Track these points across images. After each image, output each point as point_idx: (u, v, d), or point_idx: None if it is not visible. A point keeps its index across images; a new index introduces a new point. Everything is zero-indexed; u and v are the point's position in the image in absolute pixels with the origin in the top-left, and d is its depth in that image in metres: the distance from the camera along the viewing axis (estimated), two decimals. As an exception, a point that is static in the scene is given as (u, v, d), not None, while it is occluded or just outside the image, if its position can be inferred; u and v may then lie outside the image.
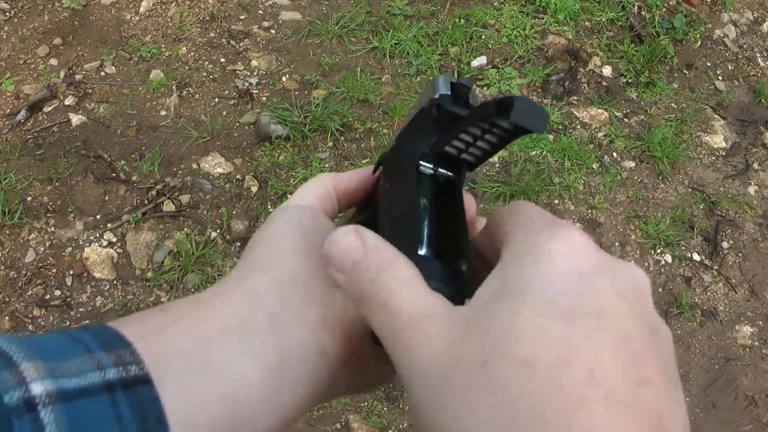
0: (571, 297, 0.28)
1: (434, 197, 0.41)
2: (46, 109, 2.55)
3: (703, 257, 2.55)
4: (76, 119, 2.53)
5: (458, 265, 0.36)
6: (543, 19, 3.05)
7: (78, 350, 0.30)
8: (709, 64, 3.11)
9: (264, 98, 2.65)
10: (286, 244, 0.39)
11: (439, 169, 0.43)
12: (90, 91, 2.62)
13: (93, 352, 0.30)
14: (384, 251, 0.34)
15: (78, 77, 2.65)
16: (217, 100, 2.64)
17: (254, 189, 2.41)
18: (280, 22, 2.91)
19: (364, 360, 0.38)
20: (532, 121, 0.34)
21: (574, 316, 0.27)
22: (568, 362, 0.26)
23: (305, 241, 0.39)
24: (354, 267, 0.33)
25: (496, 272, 0.30)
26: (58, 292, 2.16)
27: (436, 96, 0.43)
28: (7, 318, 2.10)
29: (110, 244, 2.25)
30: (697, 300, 2.45)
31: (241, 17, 2.91)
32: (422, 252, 0.36)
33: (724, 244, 2.59)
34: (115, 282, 2.19)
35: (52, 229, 2.27)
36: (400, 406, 2.07)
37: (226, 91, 2.67)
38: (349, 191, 0.46)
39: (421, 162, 0.42)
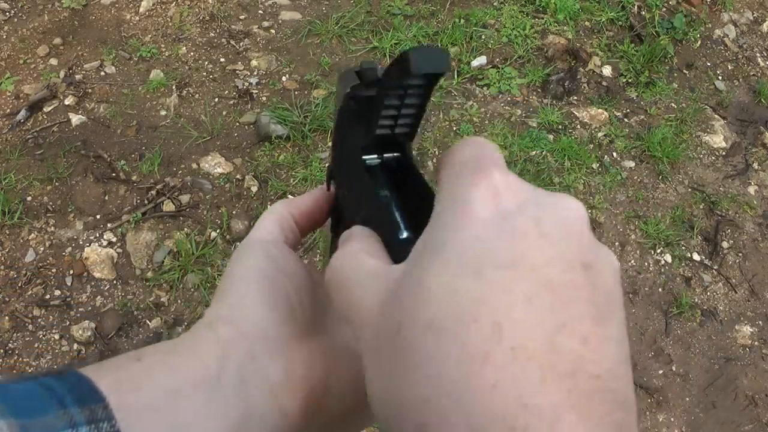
0: (486, 249, 0.26)
1: (391, 183, 0.41)
2: (46, 109, 2.55)
3: (703, 257, 2.55)
4: (76, 119, 2.53)
5: None
6: (543, 19, 3.05)
7: (52, 405, 0.30)
8: (709, 64, 3.11)
9: (264, 98, 2.65)
10: (251, 292, 0.39)
11: (384, 155, 0.42)
12: (90, 91, 2.62)
13: (67, 407, 0.30)
14: (352, 231, 0.35)
15: (78, 77, 2.65)
16: (217, 100, 2.64)
17: (254, 189, 2.41)
18: (280, 22, 2.91)
19: (326, 418, 0.38)
20: (432, 64, 0.33)
21: (486, 270, 0.26)
22: (473, 319, 0.25)
23: (271, 286, 0.40)
24: None
25: (426, 230, 0.29)
26: (58, 292, 2.16)
27: (348, 90, 0.43)
28: (7, 318, 2.10)
29: (110, 244, 2.25)
30: (697, 300, 2.45)
31: (241, 17, 2.91)
32: (404, 235, 0.35)
33: (724, 244, 2.59)
34: (115, 282, 2.19)
35: (52, 229, 2.27)
36: (400, 406, 2.07)
37: (226, 91, 2.67)
38: (307, 213, 0.47)
39: (364, 157, 0.42)
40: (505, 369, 0.24)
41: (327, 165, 0.47)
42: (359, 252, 0.33)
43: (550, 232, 0.27)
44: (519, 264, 0.26)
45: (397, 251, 0.34)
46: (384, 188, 0.40)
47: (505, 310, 0.25)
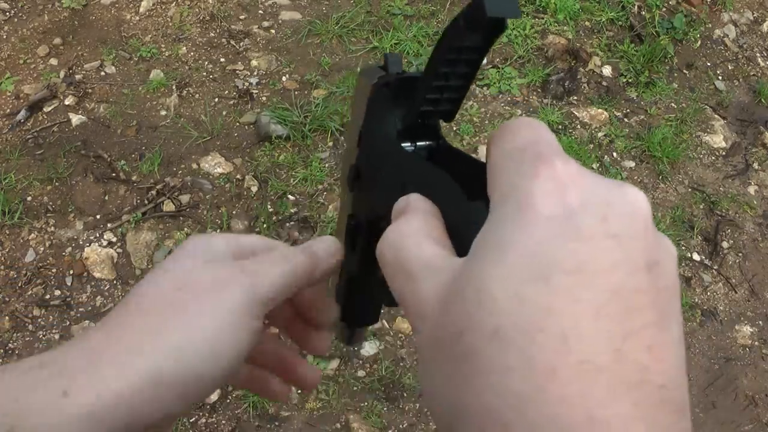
0: (553, 250, 0.25)
1: (435, 163, 0.39)
2: (46, 109, 2.55)
3: (703, 257, 2.55)
4: (76, 119, 2.53)
5: None
6: (543, 19, 3.05)
7: None
8: (709, 64, 3.11)
9: (264, 98, 2.66)
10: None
11: (418, 143, 0.41)
12: (90, 91, 2.62)
13: None
14: (411, 199, 0.34)
15: (78, 77, 2.65)
16: (217, 100, 2.64)
17: (254, 189, 2.41)
18: (280, 22, 2.91)
19: None
20: (505, 8, 0.32)
21: (552, 276, 0.25)
22: (540, 329, 0.24)
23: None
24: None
25: (486, 224, 0.28)
26: (58, 292, 2.16)
27: (375, 80, 0.41)
28: (7, 318, 2.10)
29: (110, 244, 2.26)
30: (697, 300, 2.45)
31: (241, 17, 2.91)
32: (469, 202, 0.34)
33: (724, 244, 2.59)
34: (115, 282, 2.19)
35: (52, 229, 2.28)
36: (400, 406, 2.07)
37: (226, 91, 2.67)
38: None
39: (402, 144, 0.40)
40: (573, 384, 0.24)
41: (349, 165, 0.45)
42: (419, 233, 0.32)
43: (616, 232, 0.26)
44: (586, 269, 0.25)
45: (465, 220, 0.32)
46: (431, 167, 0.39)
47: (573, 321, 0.24)
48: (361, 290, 0.47)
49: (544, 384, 0.24)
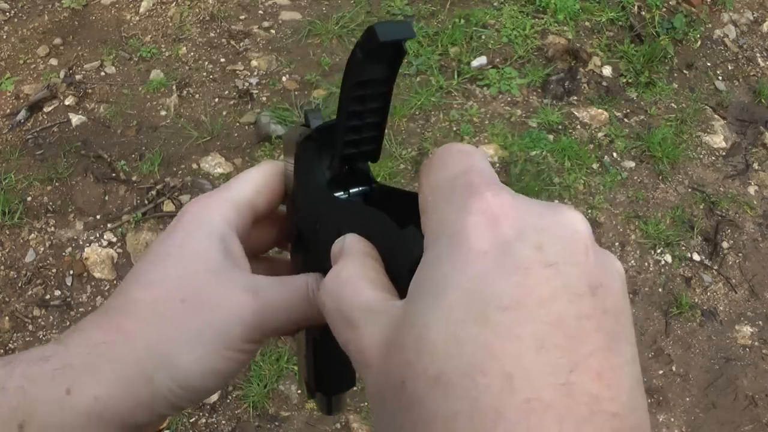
0: (489, 287, 0.24)
1: (371, 205, 0.39)
2: (46, 109, 2.55)
3: (703, 257, 2.55)
4: (76, 119, 2.53)
5: None
6: (543, 19, 3.05)
7: None
8: (709, 64, 3.11)
9: (264, 98, 2.66)
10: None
11: (351, 190, 0.41)
12: (90, 91, 2.62)
13: None
14: (349, 242, 0.33)
15: (78, 77, 2.65)
16: (217, 100, 2.64)
17: (254, 189, 2.41)
18: (280, 22, 2.91)
19: None
20: (398, 32, 0.32)
21: (490, 314, 0.24)
22: (482, 372, 0.23)
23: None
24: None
25: (422, 262, 0.27)
26: (58, 292, 2.16)
27: (298, 137, 0.41)
28: (7, 318, 2.10)
29: (110, 244, 2.26)
30: (697, 300, 2.45)
31: (241, 17, 2.91)
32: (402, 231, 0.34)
33: (724, 244, 2.59)
34: (115, 282, 2.19)
35: (52, 229, 2.27)
36: (400, 406, 2.07)
37: (226, 91, 2.67)
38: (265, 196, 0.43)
39: (335, 194, 0.40)
40: (520, 424, 0.23)
41: (289, 226, 0.44)
42: (357, 278, 0.31)
43: (554, 259, 0.25)
44: (524, 303, 0.24)
45: (400, 251, 0.32)
46: (364, 208, 0.39)
47: (515, 359, 0.23)
48: (329, 353, 0.45)
49: (490, 427, 0.23)
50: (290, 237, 0.44)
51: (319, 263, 0.40)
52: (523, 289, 0.24)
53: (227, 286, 0.39)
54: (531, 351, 0.23)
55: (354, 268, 0.32)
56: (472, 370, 0.23)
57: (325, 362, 0.45)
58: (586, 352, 0.24)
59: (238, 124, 2.58)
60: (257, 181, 0.42)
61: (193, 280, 0.38)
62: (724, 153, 2.85)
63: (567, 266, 0.25)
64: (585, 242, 0.26)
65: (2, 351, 2.04)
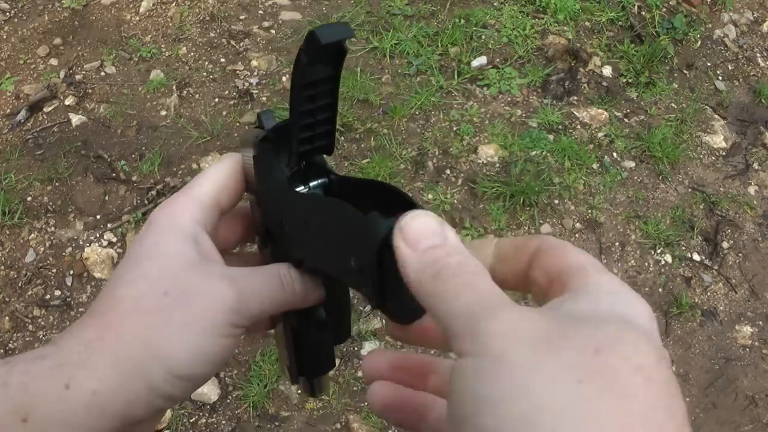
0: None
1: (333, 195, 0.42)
2: (46, 109, 2.55)
3: (703, 257, 2.55)
4: (76, 119, 2.53)
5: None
6: (543, 19, 3.05)
7: None
8: (709, 64, 3.11)
9: (264, 98, 2.65)
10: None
11: (311, 183, 0.43)
12: (90, 91, 2.62)
13: None
14: (461, 244, 0.34)
15: (78, 77, 2.65)
16: (217, 100, 2.64)
17: (254, 189, 2.41)
18: (280, 22, 2.91)
19: None
20: (337, 33, 0.35)
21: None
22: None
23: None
24: (430, 248, 0.33)
25: (579, 302, 0.30)
26: (58, 292, 2.16)
27: (254, 139, 0.44)
28: (7, 318, 2.10)
29: (110, 244, 2.26)
30: (697, 300, 2.45)
31: (241, 17, 2.91)
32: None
33: (724, 244, 2.59)
34: (115, 282, 2.19)
35: (52, 229, 2.28)
36: (400, 406, 2.07)
37: (226, 91, 2.67)
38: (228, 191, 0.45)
39: (297, 189, 0.43)
40: None
41: (255, 223, 0.47)
42: (489, 277, 0.33)
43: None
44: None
45: (365, 233, 0.35)
46: (325, 198, 0.41)
47: None
48: (307, 338, 0.47)
49: None
50: (258, 232, 0.46)
51: (287, 255, 0.43)
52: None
53: (205, 277, 0.41)
54: None
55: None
56: None
57: (305, 347, 0.48)
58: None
59: (238, 124, 2.58)
60: (219, 179, 0.44)
61: (172, 275, 0.40)
62: (724, 153, 2.85)
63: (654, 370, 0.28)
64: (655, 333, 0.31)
65: (2, 351, 2.04)
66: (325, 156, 0.44)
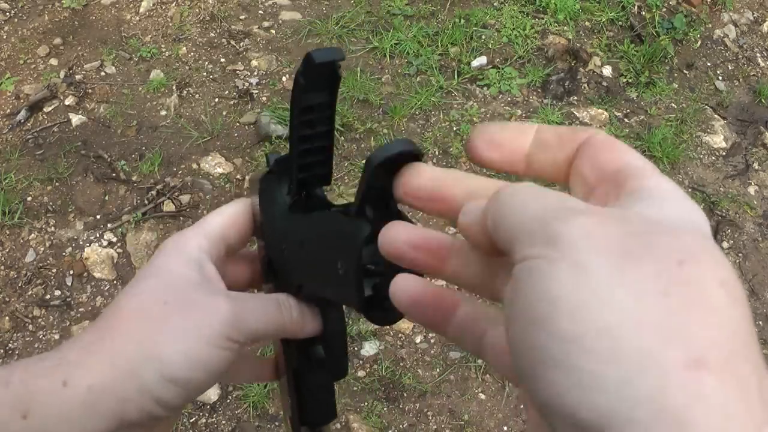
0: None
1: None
2: (46, 109, 2.55)
3: (703, 257, 2.55)
4: (76, 119, 2.53)
5: None
6: (543, 19, 3.05)
7: None
8: (709, 64, 3.11)
9: (264, 98, 2.66)
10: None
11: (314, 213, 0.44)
12: (90, 91, 2.62)
13: None
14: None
15: (78, 77, 2.65)
16: (217, 100, 2.64)
17: (254, 189, 2.41)
18: (280, 22, 2.91)
19: None
20: (330, 55, 0.37)
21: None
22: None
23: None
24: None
25: (649, 206, 0.28)
26: (58, 292, 2.16)
27: (260, 176, 0.46)
28: (7, 318, 2.10)
29: (110, 244, 2.26)
30: (697, 300, 2.45)
31: (241, 17, 2.91)
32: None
33: (724, 244, 2.59)
34: (115, 282, 2.19)
35: (52, 229, 2.28)
36: (400, 406, 2.07)
37: (226, 91, 2.67)
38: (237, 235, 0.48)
39: (293, 214, 0.44)
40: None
41: (260, 258, 0.48)
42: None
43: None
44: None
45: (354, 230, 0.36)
46: (322, 214, 0.43)
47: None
48: (309, 382, 0.48)
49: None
50: (262, 267, 0.48)
51: (287, 286, 0.45)
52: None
53: (206, 292, 0.43)
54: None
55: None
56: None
57: (306, 392, 0.48)
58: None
59: (238, 124, 2.58)
60: (228, 216, 0.48)
61: (174, 289, 0.43)
62: (724, 153, 2.85)
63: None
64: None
65: (2, 351, 2.04)
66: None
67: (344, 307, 0.47)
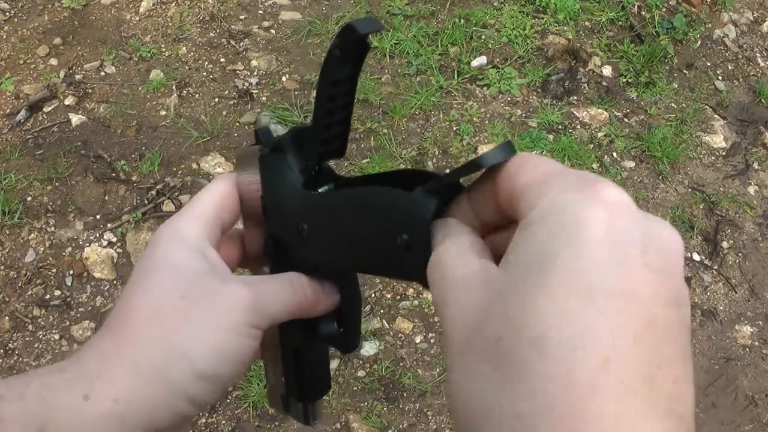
0: (599, 273, 0.26)
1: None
2: (46, 109, 2.55)
3: (703, 257, 2.55)
4: (76, 119, 2.53)
5: None
6: (543, 19, 3.05)
7: None
8: (709, 64, 3.11)
9: (264, 98, 2.66)
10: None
11: (319, 190, 0.43)
12: (90, 91, 2.62)
13: None
14: (449, 224, 0.34)
15: (78, 77, 2.65)
16: (217, 100, 2.64)
17: (254, 189, 2.41)
18: (280, 22, 2.91)
19: None
20: (370, 26, 0.36)
21: (598, 296, 0.26)
22: (582, 346, 0.25)
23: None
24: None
25: (526, 236, 0.29)
26: (58, 292, 2.16)
27: (259, 152, 0.44)
28: (7, 318, 2.10)
29: (110, 244, 2.26)
30: (697, 300, 2.45)
31: (241, 17, 2.91)
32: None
33: (724, 244, 2.59)
34: (115, 282, 2.19)
35: (52, 229, 2.27)
36: (400, 406, 2.07)
37: (226, 91, 2.67)
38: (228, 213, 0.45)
39: (311, 192, 0.43)
40: (610, 404, 0.24)
41: (260, 239, 0.46)
42: (467, 249, 0.32)
43: (654, 264, 0.27)
44: (628, 296, 0.26)
45: (414, 208, 0.35)
46: (360, 190, 0.41)
47: (613, 344, 0.25)
48: (310, 359, 0.47)
49: (583, 401, 0.24)
50: (266, 249, 0.46)
51: (299, 263, 0.43)
52: (628, 283, 0.26)
53: (220, 280, 0.41)
54: (628, 340, 0.25)
55: (464, 240, 0.33)
56: (573, 342, 0.25)
57: (306, 368, 0.47)
58: (669, 356, 0.26)
59: (238, 124, 2.58)
60: (218, 196, 0.45)
61: (185, 282, 0.40)
62: (724, 153, 2.85)
63: (666, 276, 0.27)
64: (679, 259, 0.29)
65: (2, 351, 2.04)
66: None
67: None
